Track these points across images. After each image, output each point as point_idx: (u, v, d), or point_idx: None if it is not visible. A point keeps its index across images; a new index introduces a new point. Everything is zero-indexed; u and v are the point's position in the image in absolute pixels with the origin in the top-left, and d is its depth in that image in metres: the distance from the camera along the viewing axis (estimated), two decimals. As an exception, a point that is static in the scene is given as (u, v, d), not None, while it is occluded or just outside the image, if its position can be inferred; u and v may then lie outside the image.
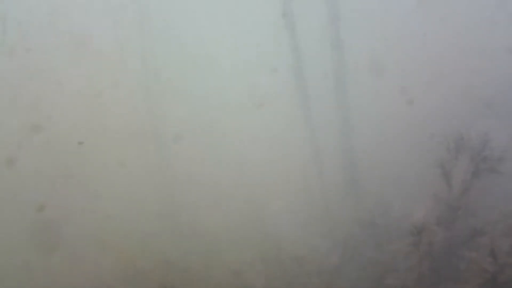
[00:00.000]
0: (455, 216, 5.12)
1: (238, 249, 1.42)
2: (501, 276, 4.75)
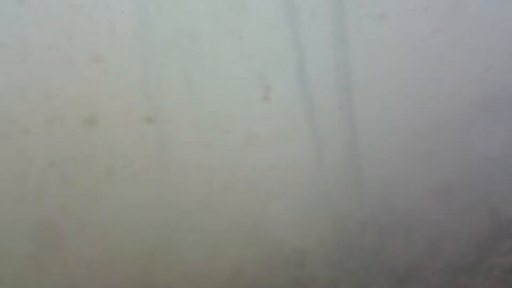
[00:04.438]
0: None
1: (238, 246, 1.42)
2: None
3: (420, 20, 1.36)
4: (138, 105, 1.32)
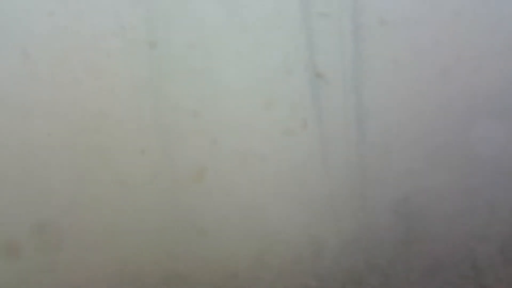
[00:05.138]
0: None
1: (238, 246, 1.41)
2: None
3: (427, 22, 1.36)
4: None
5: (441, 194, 1.44)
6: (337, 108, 1.39)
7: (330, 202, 1.44)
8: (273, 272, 1.45)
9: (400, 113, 1.42)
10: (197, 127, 1.36)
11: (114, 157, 1.33)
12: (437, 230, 1.47)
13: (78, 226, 1.33)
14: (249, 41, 1.34)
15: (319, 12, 1.34)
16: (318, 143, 1.39)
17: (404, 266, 1.47)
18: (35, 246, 1.31)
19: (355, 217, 1.44)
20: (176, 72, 1.33)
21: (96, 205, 1.34)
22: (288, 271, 1.46)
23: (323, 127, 1.39)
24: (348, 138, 1.40)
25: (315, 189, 1.42)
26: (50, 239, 1.32)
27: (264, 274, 1.44)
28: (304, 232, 1.45)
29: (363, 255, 1.46)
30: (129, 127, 1.33)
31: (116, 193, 1.34)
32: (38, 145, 1.29)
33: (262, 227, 1.43)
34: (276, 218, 1.43)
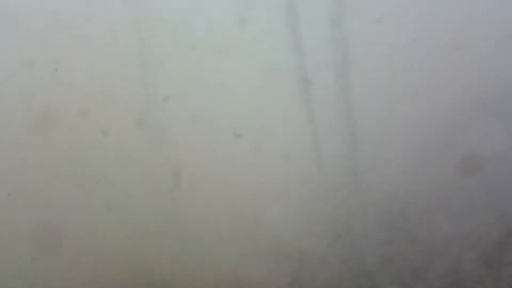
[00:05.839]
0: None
1: (237, 245, 1.41)
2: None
3: (420, 20, 1.36)
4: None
5: (439, 195, 1.44)
6: (329, 109, 1.39)
7: (325, 200, 1.44)
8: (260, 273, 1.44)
9: (394, 114, 1.42)
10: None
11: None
12: (436, 230, 1.47)
13: (75, 227, 1.33)
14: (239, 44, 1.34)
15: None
16: (311, 145, 1.39)
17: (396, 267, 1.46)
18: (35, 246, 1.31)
19: (350, 227, 1.44)
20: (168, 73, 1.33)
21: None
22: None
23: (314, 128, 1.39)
24: (340, 139, 1.40)
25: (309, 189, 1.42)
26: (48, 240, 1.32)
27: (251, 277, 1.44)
28: (302, 233, 1.44)
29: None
30: (130, 126, 1.32)
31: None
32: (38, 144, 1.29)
33: (253, 229, 1.43)
34: (270, 220, 1.42)
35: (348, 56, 1.36)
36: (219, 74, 1.34)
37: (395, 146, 1.41)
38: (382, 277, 1.46)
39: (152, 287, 1.39)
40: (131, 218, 1.37)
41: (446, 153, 1.41)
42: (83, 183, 1.32)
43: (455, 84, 1.39)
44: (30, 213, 1.31)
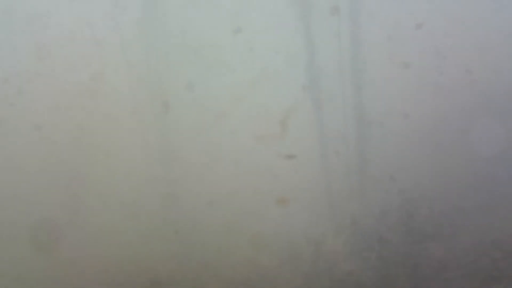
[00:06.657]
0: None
1: (237, 245, 1.42)
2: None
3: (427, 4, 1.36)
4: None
5: (440, 193, 1.44)
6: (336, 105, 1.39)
7: (329, 200, 1.44)
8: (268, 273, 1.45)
9: (400, 114, 1.42)
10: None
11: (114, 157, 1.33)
12: (436, 230, 1.47)
13: (76, 224, 1.33)
14: (246, 43, 1.34)
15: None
16: (316, 142, 1.39)
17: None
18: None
19: (354, 218, 1.44)
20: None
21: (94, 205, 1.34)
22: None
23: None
24: (347, 137, 1.40)
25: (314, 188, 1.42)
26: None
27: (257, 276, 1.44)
28: (301, 232, 1.44)
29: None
30: (130, 126, 1.33)
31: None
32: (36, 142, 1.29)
33: (255, 228, 1.43)
34: (274, 219, 1.43)
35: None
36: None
37: (404, 145, 1.41)
38: (383, 278, 1.46)
39: (152, 287, 1.39)
40: (132, 218, 1.37)
41: (451, 150, 1.41)
42: (83, 183, 1.32)
43: (460, 84, 1.39)
44: (30, 213, 1.31)
